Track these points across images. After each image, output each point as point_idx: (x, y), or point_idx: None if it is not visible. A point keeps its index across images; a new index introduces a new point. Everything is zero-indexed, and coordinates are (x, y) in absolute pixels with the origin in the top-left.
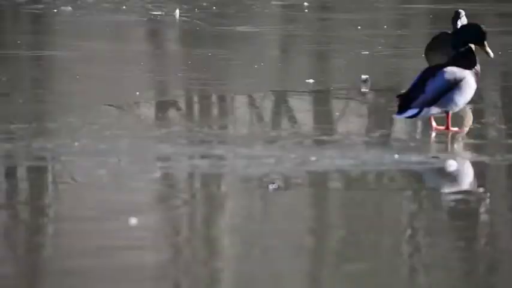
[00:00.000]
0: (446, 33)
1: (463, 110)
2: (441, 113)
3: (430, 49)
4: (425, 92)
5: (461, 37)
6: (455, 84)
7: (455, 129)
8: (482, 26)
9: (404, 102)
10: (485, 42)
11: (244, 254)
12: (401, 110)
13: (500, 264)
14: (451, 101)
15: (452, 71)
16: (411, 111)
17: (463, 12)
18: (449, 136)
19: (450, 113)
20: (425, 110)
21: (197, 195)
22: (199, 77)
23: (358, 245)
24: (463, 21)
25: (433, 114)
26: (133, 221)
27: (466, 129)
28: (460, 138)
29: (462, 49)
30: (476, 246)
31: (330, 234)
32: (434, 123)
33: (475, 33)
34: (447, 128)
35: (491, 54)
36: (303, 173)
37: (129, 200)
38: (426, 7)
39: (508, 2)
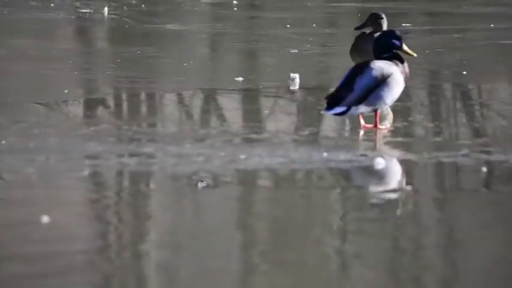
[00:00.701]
0: (368, 34)
1: (390, 108)
2: (370, 111)
3: (353, 49)
4: (354, 90)
5: (380, 46)
6: (382, 81)
7: (383, 127)
8: (396, 31)
9: (333, 100)
10: (404, 46)
11: (172, 252)
12: (329, 107)
13: (423, 260)
14: (379, 98)
15: (380, 67)
16: (339, 109)
17: (378, 15)
18: (377, 134)
19: (378, 111)
20: (353, 108)
21: (126, 193)
22: (128, 75)
23: (286, 241)
24: (381, 22)
25: (361, 113)
26: (57, 217)
27: (392, 127)
28: (388, 136)
29: (386, 55)
30: (402, 243)
31: (258, 231)
32: (362, 121)
33: (390, 41)
34: (375, 126)
35: (414, 54)
36: (232, 171)
37: (56, 198)
38: (354, 6)
39: (435, 1)
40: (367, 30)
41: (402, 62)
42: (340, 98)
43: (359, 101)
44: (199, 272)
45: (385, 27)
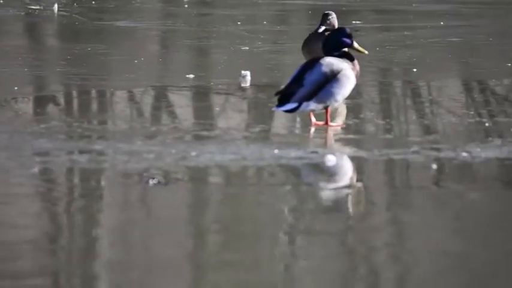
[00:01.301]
0: (314, 34)
1: (341, 105)
2: (321, 109)
3: (305, 47)
4: (304, 86)
5: (330, 44)
6: (332, 77)
7: (335, 124)
8: (346, 29)
9: (284, 96)
10: (355, 43)
11: (122, 248)
12: (280, 103)
13: (372, 258)
14: (329, 94)
15: (330, 63)
16: (290, 105)
17: (330, 15)
18: (328, 131)
19: (329, 108)
20: (304, 104)
21: (76, 190)
22: (78, 72)
23: (236, 238)
24: (330, 23)
25: (312, 111)
26: (5, 215)
27: (343, 124)
28: (339, 134)
29: (336, 53)
30: (351, 241)
31: (208, 228)
32: (313, 119)
33: (340, 39)
34: (326, 123)
35: (365, 52)
36: (183, 168)
37: (5, 195)
38: (305, 3)
39: None
40: (322, 29)
41: (352, 60)
42: (291, 94)
43: (309, 97)
44: (148, 268)
45: (336, 26)
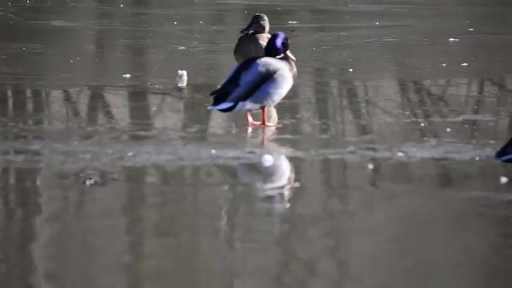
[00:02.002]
0: (246, 36)
1: (278, 105)
2: (258, 108)
3: (236, 50)
4: (240, 86)
5: (270, 49)
6: (269, 76)
7: (272, 124)
8: (282, 35)
9: (219, 95)
10: (288, 52)
11: (58, 248)
12: (216, 102)
13: (307, 255)
14: (266, 94)
15: (266, 63)
16: (225, 105)
17: (261, 17)
18: (265, 131)
19: (266, 108)
20: (240, 104)
21: (12, 190)
22: (13, 72)
23: (171, 238)
24: (260, 25)
25: (249, 110)
26: None
27: (280, 124)
28: (276, 134)
29: (277, 57)
30: (287, 240)
31: (144, 228)
32: (250, 119)
33: (277, 46)
34: (263, 123)
35: (293, 58)
36: (120, 168)
37: None
38: (241, 3)
39: None
40: (250, 31)
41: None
42: (226, 93)
43: (245, 97)
44: (85, 267)
45: (267, 27)
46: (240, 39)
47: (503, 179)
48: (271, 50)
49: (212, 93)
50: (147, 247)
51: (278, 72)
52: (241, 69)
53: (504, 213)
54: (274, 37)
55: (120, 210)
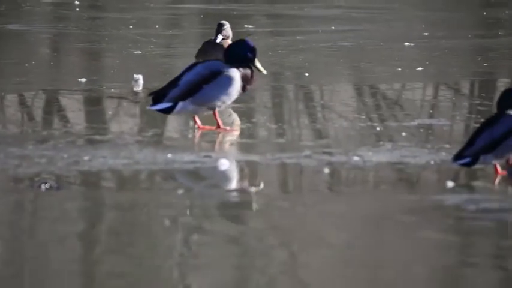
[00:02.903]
0: (210, 43)
1: (234, 109)
2: (206, 111)
3: (198, 55)
4: (178, 86)
5: (233, 56)
6: (211, 78)
7: (227, 128)
8: (250, 43)
9: (157, 95)
10: (256, 61)
11: (13, 252)
12: (155, 102)
13: (264, 260)
14: (208, 96)
15: (211, 64)
16: (163, 105)
17: (225, 25)
18: (222, 135)
19: (216, 111)
20: (180, 104)
21: None
22: None
23: (126, 241)
24: (224, 34)
25: (193, 113)
26: None
27: (235, 128)
28: (232, 138)
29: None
30: (245, 244)
31: (99, 231)
32: (199, 122)
33: (245, 54)
34: (218, 126)
35: (264, 72)
36: (76, 173)
37: None
38: (197, 7)
39: (278, 3)
40: (220, 39)
41: (251, 70)
42: (164, 94)
43: (183, 97)
44: (40, 271)
45: (231, 35)
46: (204, 45)
47: (450, 184)
48: (239, 57)
49: (151, 94)
50: (101, 251)
51: (223, 74)
52: (186, 71)
53: (455, 215)
54: (241, 44)
55: (75, 214)
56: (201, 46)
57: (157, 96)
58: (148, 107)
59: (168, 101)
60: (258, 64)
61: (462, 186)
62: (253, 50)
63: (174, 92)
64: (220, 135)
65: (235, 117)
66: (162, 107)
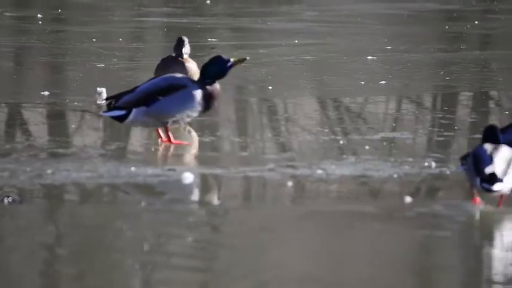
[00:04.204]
0: (169, 59)
1: (197, 122)
2: (159, 124)
3: (157, 71)
4: (133, 92)
5: (214, 73)
6: (169, 91)
7: (178, 142)
8: (223, 57)
9: (111, 102)
10: (231, 60)
11: None
12: (109, 109)
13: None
14: (164, 109)
15: (172, 77)
16: (117, 112)
17: (186, 40)
18: (187, 149)
19: (168, 125)
20: (134, 112)
21: None
22: None
23: (89, 253)
24: (186, 50)
25: (147, 125)
26: None
27: (191, 142)
28: (196, 151)
29: (208, 80)
30: (208, 257)
31: (62, 244)
32: (162, 135)
33: (225, 67)
34: (169, 140)
35: (246, 57)
36: (39, 186)
37: None
38: (160, 20)
39: (241, 16)
40: (185, 54)
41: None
42: (119, 98)
43: (137, 103)
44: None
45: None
46: (163, 61)
47: (408, 199)
48: (221, 73)
49: (107, 99)
50: (63, 264)
51: (183, 90)
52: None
53: (417, 224)
54: (218, 60)
55: (38, 228)
56: (159, 62)
57: (111, 99)
58: (101, 113)
59: (121, 106)
60: (236, 60)
61: (422, 199)
62: (229, 61)
63: (128, 97)
64: (186, 149)
65: (199, 130)
66: (114, 114)
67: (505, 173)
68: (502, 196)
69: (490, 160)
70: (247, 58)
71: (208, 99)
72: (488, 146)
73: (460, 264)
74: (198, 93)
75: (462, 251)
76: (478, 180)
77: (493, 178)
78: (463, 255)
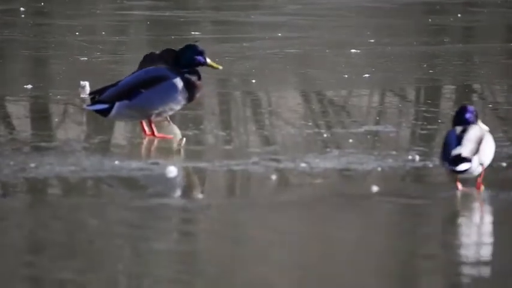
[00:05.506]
0: (151, 56)
1: (181, 115)
2: (143, 117)
3: (140, 68)
4: (117, 86)
5: (183, 62)
6: (151, 83)
7: (161, 135)
8: (197, 46)
9: (97, 93)
10: (208, 60)
11: None
12: (93, 103)
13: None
14: (146, 101)
15: (152, 70)
16: (100, 106)
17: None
18: (170, 142)
19: (152, 117)
20: (117, 106)
21: None
22: None
23: (75, 249)
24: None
25: (131, 118)
26: None
27: (173, 135)
28: (180, 145)
29: (186, 70)
30: (192, 251)
31: (45, 239)
32: (146, 129)
33: (193, 57)
34: (152, 134)
35: (219, 67)
36: (22, 180)
37: None
38: (143, 13)
39: (224, 10)
40: (157, 51)
41: (199, 77)
42: (102, 92)
43: (120, 96)
44: None
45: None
46: (146, 58)
47: (374, 188)
48: (188, 62)
49: (90, 94)
50: (47, 258)
51: (165, 81)
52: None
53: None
54: (189, 49)
55: (22, 221)
56: (142, 59)
57: (95, 93)
58: (85, 106)
59: (104, 101)
60: (211, 63)
61: (404, 191)
62: (202, 53)
63: (111, 91)
64: (170, 142)
65: (183, 123)
66: (98, 108)
67: (473, 152)
68: (478, 178)
69: (457, 142)
70: (220, 68)
71: (191, 89)
72: (457, 128)
73: (440, 253)
74: (180, 84)
75: (441, 238)
76: (446, 163)
77: (458, 159)
78: (441, 243)
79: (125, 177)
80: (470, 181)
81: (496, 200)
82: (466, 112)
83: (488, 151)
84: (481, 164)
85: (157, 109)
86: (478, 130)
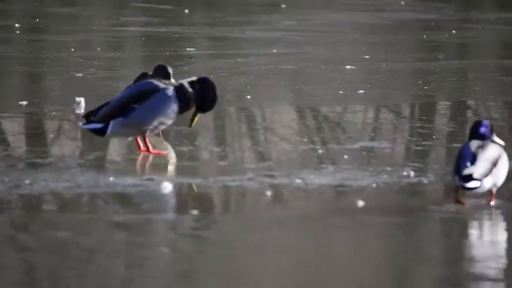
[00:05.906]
0: (146, 75)
1: (175, 131)
2: (138, 133)
3: None
4: (109, 103)
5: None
6: (143, 97)
7: (158, 151)
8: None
9: (89, 115)
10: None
11: None
12: (88, 122)
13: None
14: (140, 116)
15: (140, 85)
16: (94, 125)
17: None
18: (165, 158)
19: (146, 134)
20: (112, 124)
21: None
22: None
23: (66, 264)
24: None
25: (127, 135)
26: None
27: (167, 151)
28: (175, 161)
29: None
30: (185, 268)
31: (39, 255)
32: (141, 145)
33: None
34: (147, 149)
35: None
36: (17, 196)
37: None
38: (138, 30)
39: (218, 25)
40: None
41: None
42: (97, 112)
43: (113, 115)
44: None
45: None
46: (141, 77)
47: (360, 203)
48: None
49: (86, 115)
50: (41, 275)
51: (157, 94)
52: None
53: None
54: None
55: (17, 238)
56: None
57: (89, 114)
58: (80, 125)
59: (98, 120)
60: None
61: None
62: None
63: (105, 110)
64: (165, 159)
65: (177, 139)
66: (92, 127)
67: (486, 174)
68: (491, 195)
69: (472, 159)
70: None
71: (184, 98)
72: (473, 143)
73: (436, 270)
74: (171, 93)
75: (437, 254)
76: (457, 178)
77: (470, 178)
78: (438, 259)
79: (119, 193)
80: (472, 196)
81: (493, 215)
82: (481, 126)
83: (502, 173)
84: (494, 185)
85: (152, 124)
86: (495, 149)
